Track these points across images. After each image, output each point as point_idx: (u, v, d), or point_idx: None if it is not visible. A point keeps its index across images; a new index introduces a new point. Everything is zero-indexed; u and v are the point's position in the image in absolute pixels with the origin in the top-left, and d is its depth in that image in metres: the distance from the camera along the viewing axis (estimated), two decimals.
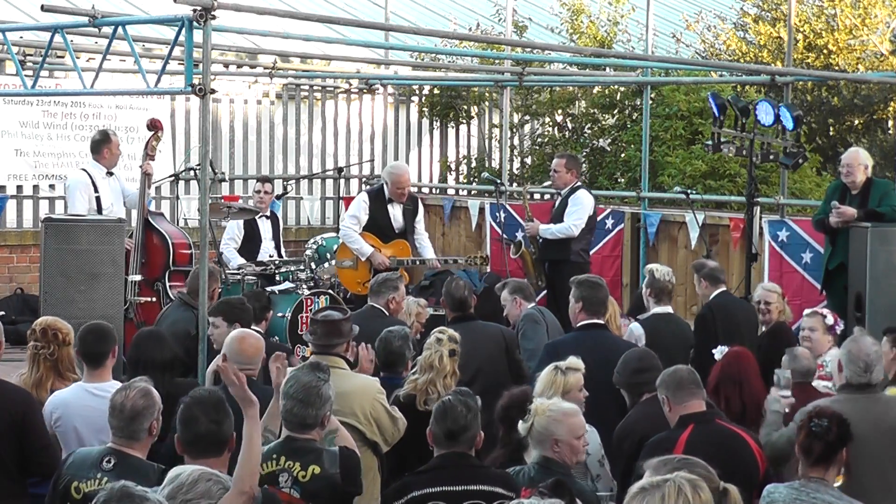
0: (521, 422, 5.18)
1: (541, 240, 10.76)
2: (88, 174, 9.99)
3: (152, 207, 10.24)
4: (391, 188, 10.56)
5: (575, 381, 5.94)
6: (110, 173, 10.07)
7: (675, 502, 3.35)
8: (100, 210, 9.78)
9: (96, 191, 9.89)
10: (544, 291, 10.85)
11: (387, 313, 7.94)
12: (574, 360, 5.99)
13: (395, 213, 10.59)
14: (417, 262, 10.60)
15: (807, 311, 7.88)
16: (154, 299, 9.43)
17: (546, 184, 11.91)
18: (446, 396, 5.18)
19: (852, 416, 5.14)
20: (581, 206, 10.58)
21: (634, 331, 7.78)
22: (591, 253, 11.11)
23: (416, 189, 15.33)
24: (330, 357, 6.01)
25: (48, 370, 6.25)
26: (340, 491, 4.92)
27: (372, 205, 10.58)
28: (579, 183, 10.88)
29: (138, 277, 9.50)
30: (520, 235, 11.55)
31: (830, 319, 7.57)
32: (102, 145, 10.09)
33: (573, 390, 5.90)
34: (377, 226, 10.54)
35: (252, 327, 7.58)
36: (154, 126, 9.80)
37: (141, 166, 9.81)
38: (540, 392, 5.77)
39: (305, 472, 4.89)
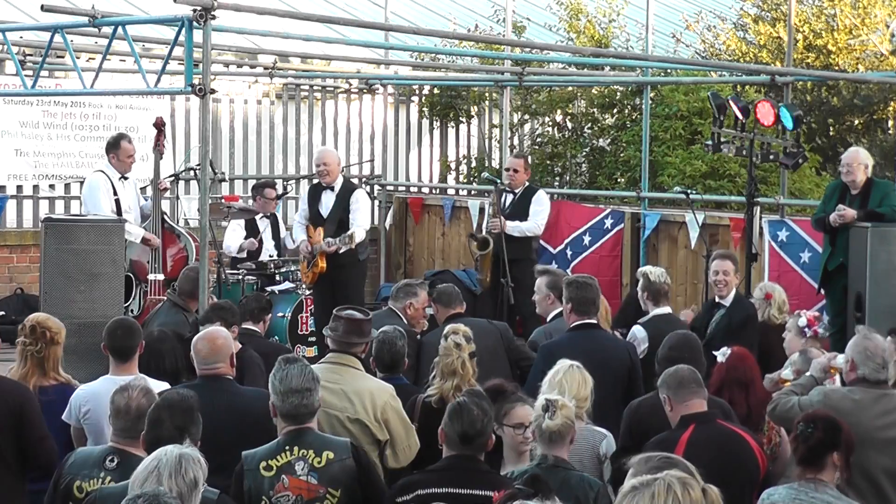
0: (546, 418, 5.10)
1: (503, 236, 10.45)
2: (107, 175, 9.97)
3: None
4: (316, 168, 10.45)
5: None
6: (125, 178, 10.03)
7: (665, 500, 3.36)
8: (119, 212, 9.78)
9: (115, 193, 9.89)
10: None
11: (401, 317, 7.90)
12: (572, 361, 5.98)
13: (327, 200, 10.30)
14: (323, 246, 9.96)
15: (795, 313, 7.85)
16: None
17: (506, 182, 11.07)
18: (460, 398, 5.12)
19: (869, 409, 5.33)
20: (544, 207, 10.84)
21: (637, 334, 7.72)
22: (589, 252, 11.28)
23: (416, 189, 15.37)
24: (347, 356, 6.00)
25: (34, 367, 6.21)
26: (355, 477, 4.94)
27: (309, 194, 10.52)
28: (528, 182, 10.98)
29: (161, 277, 9.52)
30: (485, 231, 11.25)
31: (804, 321, 7.41)
32: (110, 150, 10.09)
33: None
34: (312, 213, 10.35)
35: (250, 326, 7.63)
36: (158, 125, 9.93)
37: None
38: (582, 392, 5.78)
39: (320, 457, 4.93)
